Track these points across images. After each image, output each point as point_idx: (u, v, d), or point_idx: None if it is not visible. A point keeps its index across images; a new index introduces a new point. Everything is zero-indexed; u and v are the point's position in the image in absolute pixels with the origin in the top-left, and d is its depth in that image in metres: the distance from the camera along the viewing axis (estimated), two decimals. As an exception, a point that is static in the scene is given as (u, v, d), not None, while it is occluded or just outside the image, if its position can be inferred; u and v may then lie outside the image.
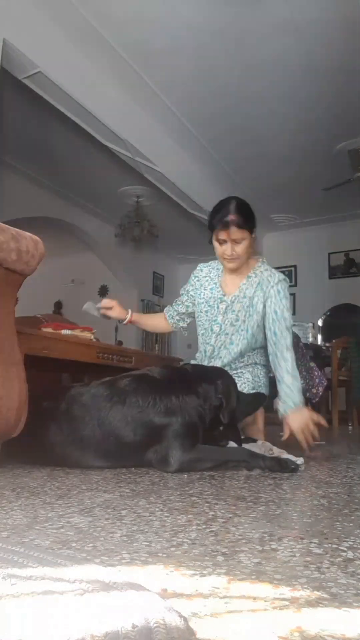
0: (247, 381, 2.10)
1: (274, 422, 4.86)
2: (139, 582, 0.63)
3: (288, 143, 5.26)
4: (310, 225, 7.44)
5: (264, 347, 2.15)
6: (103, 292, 8.49)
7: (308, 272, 7.55)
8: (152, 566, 0.72)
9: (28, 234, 1.51)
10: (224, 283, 2.18)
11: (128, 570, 0.70)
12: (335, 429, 4.53)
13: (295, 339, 4.62)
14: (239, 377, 2.09)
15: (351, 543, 0.86)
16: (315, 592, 0.64)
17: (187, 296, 2.28)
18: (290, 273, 7.72)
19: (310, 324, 6.30)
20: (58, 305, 8.93)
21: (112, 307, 2.26)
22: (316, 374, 4.72)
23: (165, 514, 1.04)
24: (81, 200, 6.91)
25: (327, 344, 5.58)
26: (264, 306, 2.06)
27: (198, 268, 2.30)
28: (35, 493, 1.25)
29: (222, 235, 2.02)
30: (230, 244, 2.02)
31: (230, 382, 1.87)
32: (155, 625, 0.51)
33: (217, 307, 2.14)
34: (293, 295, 7.65)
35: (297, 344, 4.63)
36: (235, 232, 1.99)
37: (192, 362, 2.23)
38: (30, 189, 6.39)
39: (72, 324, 2.85)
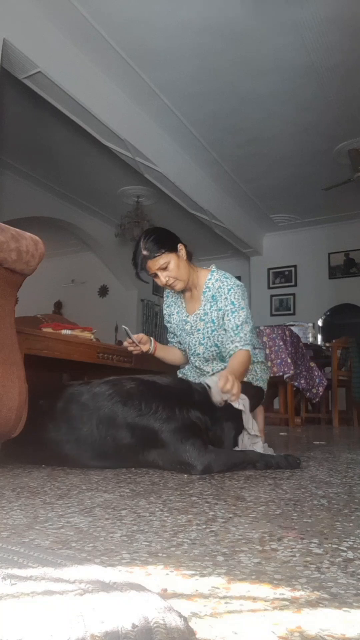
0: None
1: (273, 422, 4.86)
2: (139, 582, 0.63)
3: (288, 143, 5.26)
4: (310, 225, 7.44)
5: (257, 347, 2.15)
6: (103, 292, 8.50)
7: (308, 272, 7.55)
8: (152, 566, 0.72)
9: (28, 234, 1.51)
10: (187, 303, 2.18)
11: (128, 570, 0.70)
12: (335, 429, 4.53)
13: (296, 339, 4.63)
14: None
15: (351, 543, 0.86)
16: (315, 592, 0.64)
17: (172, 324, 2.28)
18: (290, 273, 7.73)
19: (310, 324, 6.30)
20: (58, 305, 8.94)
21: (145, 342, 2.18)
22: (316, 374, 4.73)
23: (165, 514, 1.04)
24: (81, 200, 6.91)
25: (327, 344, 5.57)
26: (223, 319, 2.04)
27: (165, 295, 2.30)
28: (35, 493, 1.25)
29: (150, 272, 2.01)
30: (160, 273, 1.99)
31: (233, 425, 1.82)
32: (155, 625, 0.51)
33: (184, 329, 2.16)
34: (293, 295, 7.66)
35: (297, 344, 4.63)
36: (153, 263, 1.97)
37: (179, 374, 2.25)
38: (30, 189, 6.40)
39: (72, 324, 2.85)
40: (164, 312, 2.31)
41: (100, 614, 0.53)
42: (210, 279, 2.08)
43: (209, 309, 2.06)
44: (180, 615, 0.54)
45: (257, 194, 6.51)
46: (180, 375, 2.25)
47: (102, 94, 4.26)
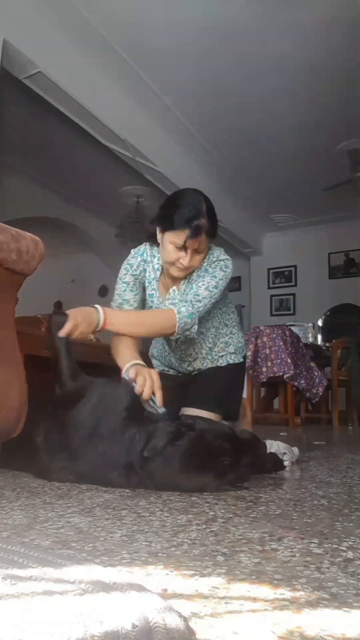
0: (229, 346, 1.98)
1: (273, 423, 4.87)
2: (139, 582, 0.63)
3: (288, 143, 5.26)
4: (310, 225, 7.44)
5: (224, 312, 1.94)
6: (103, 292, 8.48)
7: (308, 272, 7.55)
8: (152, 566, 0.72)
9: (28, 234, 1.51)
10: (162, 286, 1.88)
11: (128, 570, 0.70)
12: (336, 429, 4.53)
13: (296, 339, 4.63)
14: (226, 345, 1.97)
15: (351, 543, 0.86)
16: (315, 592, 0.64)
17: (133, 292, 1.91)
18: (290, 273, 7.73)
19: (310, 324, 6.31)
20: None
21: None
22: (316, 374, 4.73)
23: (165, 514, 1.04)
24: (81, 200, 6.91)
25: (327, 344, 5.58)
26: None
27: (128, 263, 1.92)
28: (35, 493, 1.25)
29: (184, 240, 1.64)
30: (191, 253, 1.67)
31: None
32: (155, 625, 0.51)
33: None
34: (293, 295, 7.65)
35: (297, 344, 4.63)
36: (202, 241, 1.66)
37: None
38: (30, 189, 6.39)
39: (72, 324, 2.85)
40: (128, 277, 1.91)
41: (100, 614, 0.53)
42: (217, 253, 1.79)
43: (186, 288, 1.79)
44: (180, 615, 0.54)
45: (257, 194, 6.50)
46: (153, 360, 2.08)
47: (102, 94, 4.26)
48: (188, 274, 1.77)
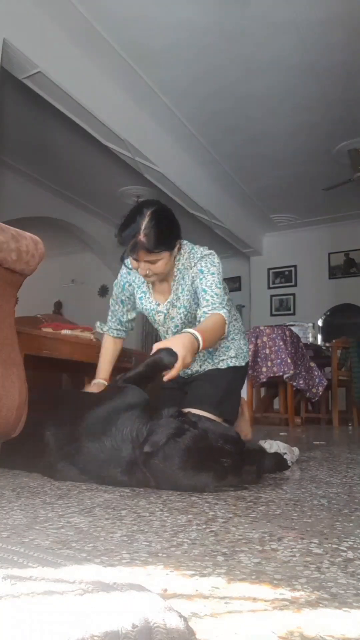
0: (229, 350, 2.01)
1: (273, 423, 4.86)
2: (139, 582, 0.63)
3: (288, 143, 5.26)
4: (310, 225, 7.44)
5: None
6: (103, 292, 8.49)
7: (308, 272, 7.55)
8: (152, 566, 0.72)
9: (28, 234, 1.51)
10: (155, 292, 1.95)
11: (128, 570, 0.70)
12: (336, 429, 4.53)
13: (296, 339, 4.63)
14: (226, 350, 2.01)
15: (351, 543, 0.86)
16: (315, 592, 0.64)
17: (126, 303, 2.04)
18: (290, 273, 7.73)
19: (310, 324, 6.30)
20: (58, 305, 8.94)
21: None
22: (316, 374, 4.73)
23: (165, 514, 1.04)
24: (81, 200, 6.91)
25: (327, 344, 5.57)
26: (194, 293, 1.83)
27: (121, 276, 2.01)
28: (35, 493, 1.25)
29: (136, 258, 1.73)
30: (144, 264, 1.74)
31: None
32: (155, 625, 0.51)
33: (156, 320, 1.97)
34: (293, 295, 7.65)
35: (297, 344, 4.63)
36: (144, 256, 1.70)
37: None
38: (30, 189, 6.39)
39: (72, 324, 2.86)
40: (120, 284, 2.00)
41: (100, 614, 0.53)
42: (180, 259, 1.86)
43: (181, 293, 1.87)
44: (180, 615, 0.54)
45: (257, 194, 6.50)
46: None
47: (102, 94, 4.26)
48: (161, 278, 1.84)
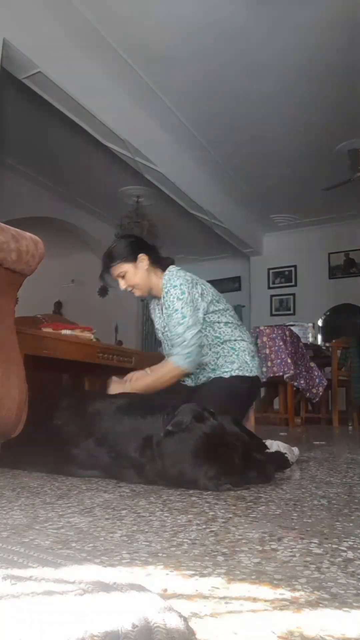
0: (233, 364, 2.05)
1: (273, 423, 4.86)
2: (139, 582, 0.63)
3: (288, 143, 5.26)
4: (310, 225, 7.44)
5: (222, 324, 2.08)
6: (103, 292, 8.49)
7: (308, 272, 7.55)
8: (152, 566, 0.72)
9: (28, 234, 1.51)
10: (161, 307, 2.16)
11: (128, 570, 0.70)
12: (336, 429, 4.53)
13: (296, 339, 4.63)
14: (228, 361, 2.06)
15: (351, 543, 0.86)
16: (315, 592, 0.64)
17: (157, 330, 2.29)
18: (290, 273, 7.73)
19: (310, 324, 6.30)
20: (58, 305, 8.93)
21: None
22: (316, 374, 4.73)
23: (165, 514, 1.04)
24: (81, 200, 6.91)
25: (327, 344, 5.57)
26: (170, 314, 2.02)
27: (149, 304, 2.33)
28: (35, 493, 1.25)
29: (112, 276, 2.10)
30: (119, 280, 2.08)
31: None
32: (155, 625, 0.51)
33: (165, 334, 2.14)
34: (293, 295, 7.65)
35: (297, 344, 4.63)
36: (113, 270, 2.07)
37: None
38: (30, 189, 6.39)
39: (72, 324, 2.86)
40: (149, 314, 2.35)
41: (100, 614, 0.53)
42: (164, 281, 2.06)
43: (166, 308, 2.05)
44: (180, 615, 0.54)
45: (257, 194, 6.50)
46: None
47: (102, 94, 4.26)
48: (144, 293, 2.12)
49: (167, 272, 2.07)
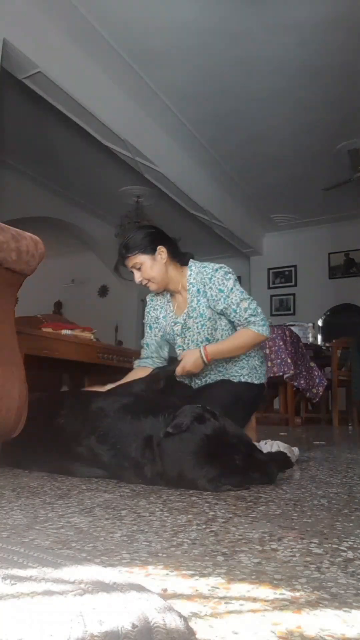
0: (243, 369, 2.04)
1: (273, 423, 4.87)
2: (139, 582, 0.63)
3: (288, 143, 5.26)
4: (310, 225, 7.44)
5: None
6: (103, 292, 8.50)
7: (308, 272, 7.55)
8: (152, 566, 0.72)
9: (28, 234, 1.51)
10: (175, 304, 2.11)
11: (128, 570, 0.70)
12: (336, 429, 4.53)
13: (296, 339, 4.63)
14: (234, 366, 2.04)
15: (351, 543, 0.86)
16: (315, 592, 0.64)
17: (153, 327, 2.18)
18: (290, 273, 7.73)
19: (310, 324, 6.31)
20: (58, 305, 8.94)
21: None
22: (316, 374, 4.73)
23: (165, 514, 1.04)
24: (81, 200, 6.91)
25: (327, 344, 5.58)
26: (213, 308, 1.97)
27: (148, 299, 2.21)
28: (35, 493, 1.25)
29: (128, 268, 2.01)
30: (135, 271, 1.99)
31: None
32: (155, 625, 0.51)
33: (174, 331, 2.07)
34: (293, 295, 7.66)
35: (297, 344, 4.63)
36: (129, 261, 1.98)
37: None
38: (30, 189, 6.40)
39: (72, 324, 2.86)
40: (146, 316, 2.19)
41: (100, 614, 0.53)
42: (191, 274, 2.02)
43: (197, 304, 1.99)
44: (180, 615, 0.54)
45: (257, 194, 6.51)
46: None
47: (102, 94, 4.26)
48: (160, 287, 2.03)
49: (192, 264, 2.03)
